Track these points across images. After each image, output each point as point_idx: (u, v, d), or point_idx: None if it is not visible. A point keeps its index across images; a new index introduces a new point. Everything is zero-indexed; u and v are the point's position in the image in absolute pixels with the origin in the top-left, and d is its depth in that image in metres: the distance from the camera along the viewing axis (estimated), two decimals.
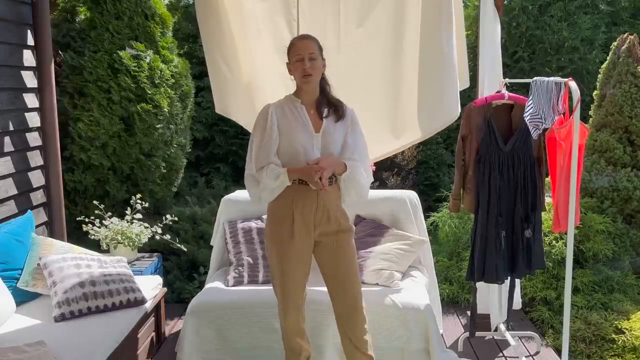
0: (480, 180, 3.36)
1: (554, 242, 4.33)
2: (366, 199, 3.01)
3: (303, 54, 2.78)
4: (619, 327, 3.77)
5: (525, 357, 3.67)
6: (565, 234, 3.18)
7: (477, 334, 3.74)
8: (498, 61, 3.79)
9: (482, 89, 3.74)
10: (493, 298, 3.84)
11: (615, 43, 4.93)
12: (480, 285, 3.66)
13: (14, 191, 3.74)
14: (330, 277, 2.95)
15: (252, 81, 3.89)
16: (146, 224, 4.28)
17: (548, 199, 4.12)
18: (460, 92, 3.78)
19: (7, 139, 3.70)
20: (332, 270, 2.93)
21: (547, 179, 4.00)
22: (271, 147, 2.81)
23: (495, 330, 3.86)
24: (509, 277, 3.53)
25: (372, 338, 3.19)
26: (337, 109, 2.89)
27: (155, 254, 4.46)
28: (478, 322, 3.80)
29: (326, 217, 2.87)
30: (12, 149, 3.75)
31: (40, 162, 4.07)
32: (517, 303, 3.92)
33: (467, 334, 3.83)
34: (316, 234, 2.89)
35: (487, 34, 3.69)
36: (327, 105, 2.89)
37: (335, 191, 2.91)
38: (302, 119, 2.85)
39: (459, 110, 3.49)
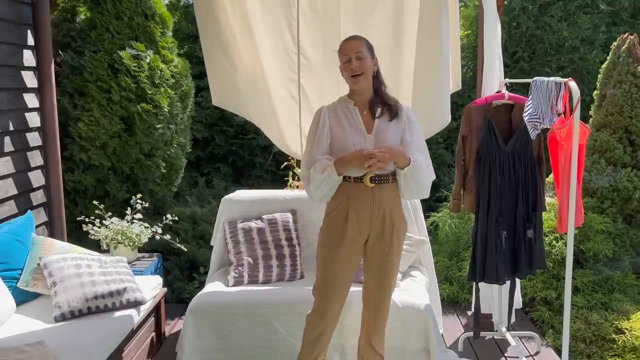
0: (480, 181, 3.36)
1: (554, 242, 4.33)
2: (426, 196, 2.93)
3: (350, 54, 2.74)
4: (619, 327, 3.77)
5: (525, 357, 3.67)
6: (566, 234, 3.18)
7: None
8: (499, 61, 3.78)
9: (484, 89, 3.71)
10: (495, 299, 3.84)
11: (615, 43, 4.92)
12: (482, 285, 3.65)
13: (14, 191, 3.74)
14: (369, 275, 2.91)
15: (253, 73, 3.90)
16: (146, 224, 4.28)
17: (549, 199, 4.12)
18: (460, 92, 3.79)
19: (7, 139, 3.70)
20: (373, 270, 2.89)
21: (547, 179, 4.00)
22: (321, 148, 2.79)
23: (496, 330, 3.86)
24: (510, 278, 3.52)
25: None
26: (390, 108, 2.81)
27: (156, 254, 4.46)
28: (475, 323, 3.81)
29: (381, 217, 2.81)
30: (12, 149, 3.75)
31: (40, 162, 4.07)
32: (518, 302, 3.91)
33: (467, 334, 3.84)
34: (370, 233, 2.84)
35: (489, 34, 3.67)
36: (381, 105, 2.81)
37: (393, 190, 2.83)
38: (355, 120, 2.81)
39: (449, 117, 3.50)
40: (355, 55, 2.74)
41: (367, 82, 2.79)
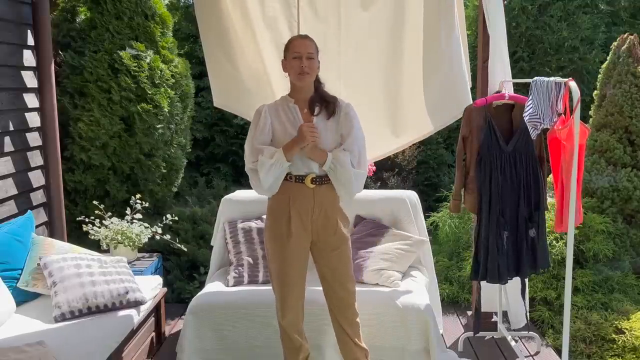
0: (481, 181, 3.35)
1: (554, 242, 4.33)
2: (356, 192, 2.93)
3: (302, 53, 2.81)
4: (619, 327, 3.77)
5: (525, 357, 3.67)
6: (566, 234, 3.18)
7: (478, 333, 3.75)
8: (506, 61, 3.73)
9: (491, 90, 3.67)
10: (510, 298, 3.80)
11: (615, 43, 4.92)
12: (486, 284, 3.63)
13: (14, 191, 3.74)
14: (321, 277, 2.99)
15: (256, 73, 3.90)
16: (146, 224, 4.28)
17: (550, 199, 4.12)
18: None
19: (7, 139, 3.70)
20: (323, 271, 2.96)
21: (547, 178, 3.99)
22: (264, 140, 2.85)
23: (496, 330, 3.86)
24: (518, 278, 3.49)
25: (372, 338, 3.20)
26: (328, 105, 2.90)
27: (156, 254, 4.46)
28: (475, 321, 3.81)
29: (323, 216, 2.89)
30: (12, 149, 3.75)
31: (40, 162, 4.07)
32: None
33: (467, 334, 3.84)
34: (313, 232, 2.90)
35: (496, 34, 3.62)
36: (319, 103, 2.90)
37: (332, 190, 2.91)
38: (295, 118, 2.87)
39: (471, 102, 3.49)
40: (306, 55, 2.81)
41: (311, 81, 2.88)
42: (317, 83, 2.94)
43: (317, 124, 2.86)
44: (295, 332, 2.97)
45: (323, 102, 2.90)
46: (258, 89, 3.91)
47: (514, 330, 3.87)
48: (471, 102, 3.48)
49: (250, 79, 3.91)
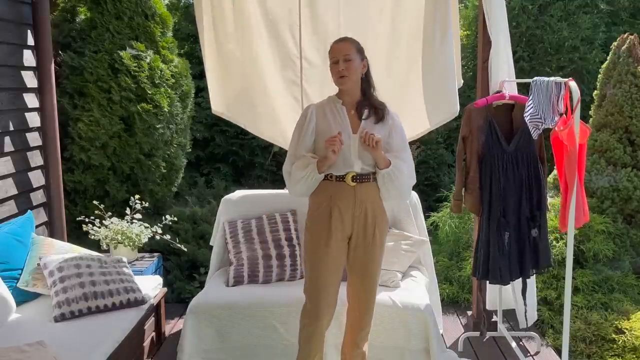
0: (483, 181, 3.34)
1: (554, 242, 4.33)
2: (406, 200, 2.98)
3: (338, 57, 2.80)
4: (619, 327, 3.77)
5: (525, 357, 3.68)
6: (566, 233, 3.18)
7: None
8: (510, 60, 3.72)
9: (492, 90, 3.67)
10: (518, 299, 3.78)
11: (615, 43, 4.92)
12: (487, 285, 3.62)
13: (14, 191, 3.74)
14: (354, 273, 2.94)
15: (253, 83, 3.91)
16: (146, 224, 4.28)
17: (550, 199, 4.12)
18: (460, 92, 3.79)
19: (7, 139, 3.70)
20: (357, 268, 2.92)
21: (548, 178, 3.99)
22: (306, 144, 2.85)
23: (496, 330, 3.86)
24: (520, 278, 3.48)
25: (372, 338, 3.20)
26: (377, 111, 2.87)
27: (156, 254, 4.46)
28: (479, 321, 3.80)
29: (364, 215, 2.86)
30: (12, 149, 3.75)
31: (40, 162, 4.07)
32: (533, 304, 3.86)
33: (467, 334, 3.84)
34: (353, 230, 2.87)
35: (500, 38, 3.60)
36: (368, 107, 2.88)
37: (375, 188, 2.88)
38: (342, 119, 2.85)
39: (457, 109, 3.50)
40: (343, 58, 2.79)
41: (353, 83, 2.85)
42: (367, 85, 2.90)
43: (365, 127, 2.83)
44: (320, 335, 2.91)
45: (372, 107, 2.88)
46: (255, 96, 3.92)
47: (515, 330, 3.87)
48: (458, 104, 3.48)
49: (249, 87, 3.92)
